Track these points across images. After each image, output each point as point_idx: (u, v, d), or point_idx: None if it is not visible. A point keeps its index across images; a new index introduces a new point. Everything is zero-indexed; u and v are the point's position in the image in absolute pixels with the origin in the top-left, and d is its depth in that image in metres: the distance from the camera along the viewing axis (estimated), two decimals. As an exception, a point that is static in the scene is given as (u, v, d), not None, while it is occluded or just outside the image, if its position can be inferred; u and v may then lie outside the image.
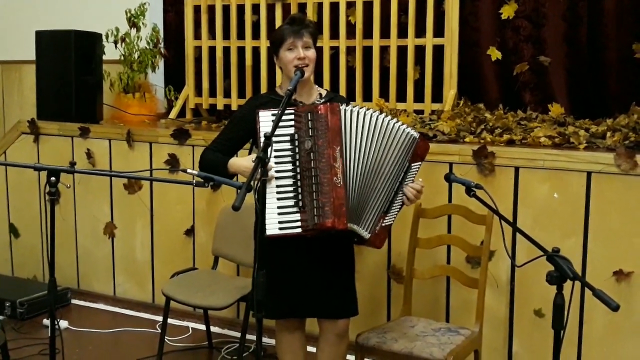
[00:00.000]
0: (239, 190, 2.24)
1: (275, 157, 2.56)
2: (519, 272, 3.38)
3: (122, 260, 4.56)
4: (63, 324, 4.13)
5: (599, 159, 3.20)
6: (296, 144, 2.60)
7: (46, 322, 4.20)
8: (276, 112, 2.51)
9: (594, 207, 3.21)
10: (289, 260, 2.77)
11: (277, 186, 2.58)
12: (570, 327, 2.95)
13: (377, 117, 2.66)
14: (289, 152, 2.60)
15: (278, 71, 4.60)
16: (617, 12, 3.93)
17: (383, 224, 2.71)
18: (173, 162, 4.25)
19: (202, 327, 4.05)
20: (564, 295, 2.15)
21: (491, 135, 3.67)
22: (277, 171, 2.58)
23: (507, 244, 2.68)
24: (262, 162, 2.27)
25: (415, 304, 3.35)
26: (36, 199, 4.74)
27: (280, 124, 2.53)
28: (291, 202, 2.58)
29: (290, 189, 2.59)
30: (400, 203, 2.76)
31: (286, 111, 2.57)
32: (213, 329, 4.02)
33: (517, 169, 3.37)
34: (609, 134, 3.45)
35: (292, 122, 2.61)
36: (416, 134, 2.72)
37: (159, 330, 4.08)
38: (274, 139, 2.34)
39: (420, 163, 2.77)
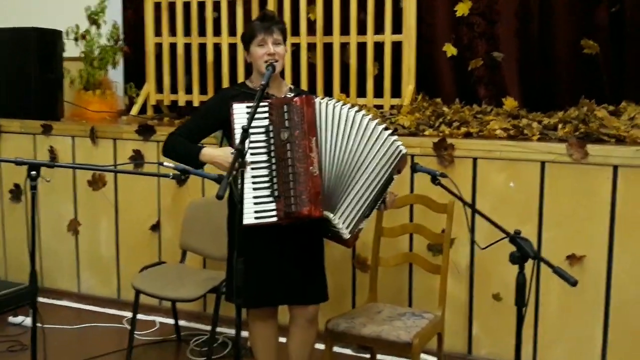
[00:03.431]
0: (207, 181, 2.30)
1: (250, 148, 2.63)
2: (478, 258, 3.55)
3: (87, 257, 4.58)
4: (28, 321, 4.12)
5: (552, 149, 3.37)
6: (271, 135, 2.69)
7: (12, 319, 4.20)
8: (250, 104, 2.59)
9: (547, 195, 3.39)
10: (261, 249, 2.84)
11: (253, 177, 2.66)
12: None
13: (356, 113, 2.75)
14: (263, 144, 2.68)
15: (240, 67, 4.69)
16: (566, 9, 4.10)
17: (360, 227, 2.81)
18: (138, 158, 4.28)
19: (169, 321, 4.11)
20: (525, 274, 2.29)
21: (449, 129, 3.81)
22: (252, 162, 2.66)
23: (469, 229, 2.83)
24: (240, 154, 2.35)
25: (380, 290, 3.47)
26: (-4, 196, 4.73)
27: (255, 116, 2.61)
28: (267, 192, 2.66)
29: (266, 179, 2.67)
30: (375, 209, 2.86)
31: (260, 103, 2.64)
32: (180, 322, 4.06)
33: (475, 160, 3.53)
34: (560, 125, 3.63)
35: (267, 115, 2.69)
36: (404, 150, 2.80)
37: (126, 325, 4.13)
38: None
39: (398, 175, 2.86)
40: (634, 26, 3.96)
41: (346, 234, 2.78)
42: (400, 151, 2.79)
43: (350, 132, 2.74)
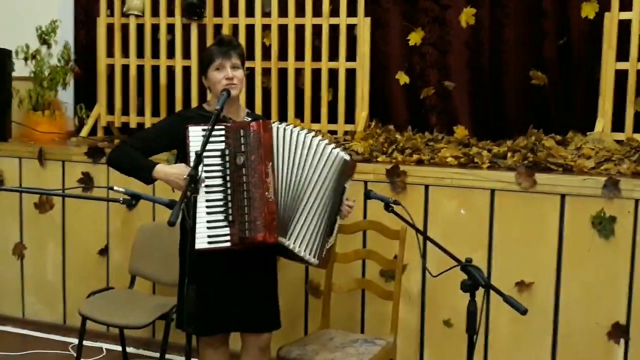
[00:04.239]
0: (157, 205, 2.27)
1: (205, 171, 2.61)
2: (429, 285, 3.57)
3: (32, 281, 4.45)
4: (-31, 348, 4.00)
5: (501, 177, 3.44)
6: (227, 159, 2.66)
7: (-49, 346, 4.06)
8: (206, 127, 2.57)
9: (497, 223, 3.45)
10: (214, 276, 2.81)
11: (207, 200, 2.63)
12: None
13: (312, 138, 2.76)
14: (219, 167, 2.66)
15: (194, 90, 4.67)
16: (516, 41, 4.22)
17: (327, 247, 2.81)
18: (87, 181, 4.21)
19: (116, 347, 4.02)
20: (476, 302, 2.32)
21: (402, 155, 3.85)
22: (206, 186, 2.63)
23: (421, 255, 2.86)
24: (193, 180, 2.33)
25: (332, 316, 3.46)
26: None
27: (211, 139, 2.59)
28: (221, 217, 2.63)
29: (220, 203, 2.64)
30: (339, 222, 2.87)
31: (217, 127, 2.62)
32: (128, 349, 3.97)
33: (427, 187, 3.57)
34: (509, 154, 3.70)
35: (223, 138, 2.67)
36: (346, 156, 2.82)
37: (71, 352, 4.03)
38: (204, 153, 2.41)
39: (351, 180, 2.88)
40: (580, 58, 4.10)
41: (313, 260, 2.77)
42: (342, 157, 2.80)
43: (307, 157, 2.74)
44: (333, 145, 2.82)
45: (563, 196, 3.30)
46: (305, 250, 2.75)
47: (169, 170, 2.79)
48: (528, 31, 4.21)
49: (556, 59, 4.15)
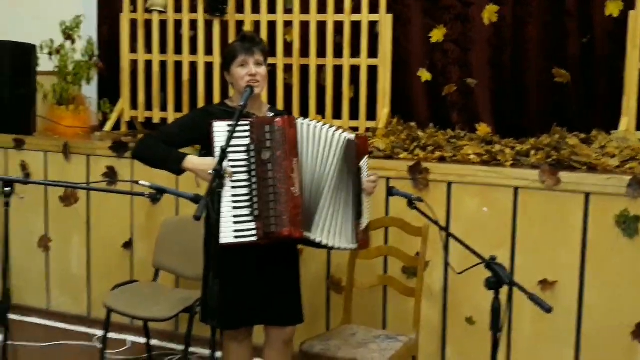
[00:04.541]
0: (181, 199, 2.28)
1: (231, 167, 2.63)
2: (451, 282, 3.58)
3: (57, 274, 4.52)
4: (-3, 338, 4.05)
5: (525, 175, 3.43)
6: (252, 154, 2.67)
7: (-22, 337, 4.12)
8: (231, 123, 2.59)
9: (520, 221, 3.44)
10: (239, 270, 2.84)
11: (233, 195, 2.64)
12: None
13: (334, 132, 2.76)
14: (244, 162, 2.67)
15: (216, 86, 4.70)
16: (538, 38, 4.21)
17: (362, 228, 2.82)
18: (111, 175, 4.26)
19: (141, 339, 4.06)
20: (500, 300, 2.33)
21: (424, 152, 3.85)
22: (232, 181, 2.64)
23: (444, 253, 2.87)
24: (218, 175, 2.36)
25: (354, 312, 3.47)
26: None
27: (236, 134, 2.61)
28: (247, 211, 2.64)
29: (246, 198, 2.65)
30: (366, 202, 2.86)
31: (241, 122, 2.64)
32: (152, 341, 4.02)
33: (449, 184, 3.57)
34: (532, 152, 3.69)
35: (248, 134, 2.69)
36: (350, 136, 2.80)
37: (95, 344, 4.08)
38: (229, 149, 2.43)
39: (366, 157, 2.88)
40: (604, 56, 4.07)
41: (350, 246, 2.81)
42: (345, 138, 2.79)
43: (331, 150, 2.75)
44: (335, 127, 2.80)
45: (587, 195, 3.30)
46: (336, 241, 2.77)
47: (198, 161, 2.80)
48: (551, 29, 4.19)
49: (579, 57, 4.13)
